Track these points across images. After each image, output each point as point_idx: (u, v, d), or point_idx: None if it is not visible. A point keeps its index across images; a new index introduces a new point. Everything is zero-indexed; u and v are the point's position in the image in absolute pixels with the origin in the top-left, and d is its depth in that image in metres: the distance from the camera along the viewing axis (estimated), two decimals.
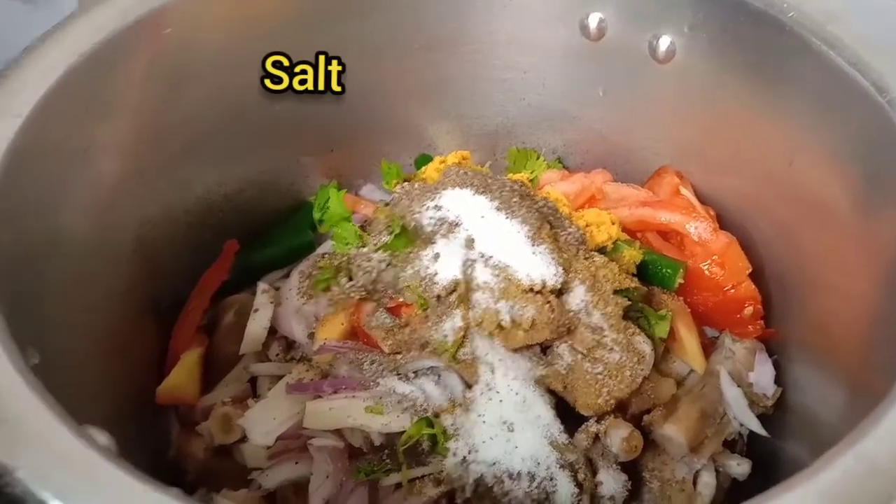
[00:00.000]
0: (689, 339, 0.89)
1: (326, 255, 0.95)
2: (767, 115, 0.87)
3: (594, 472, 0.79)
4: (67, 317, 0.77)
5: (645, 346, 0.83)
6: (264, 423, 0.83)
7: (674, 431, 0.81)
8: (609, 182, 1.04)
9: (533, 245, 0.82)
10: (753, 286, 0.93)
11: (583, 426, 0.81)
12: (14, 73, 0.74)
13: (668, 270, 0.93)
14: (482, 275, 0.81)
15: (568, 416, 0.81)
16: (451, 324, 0.81)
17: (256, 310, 0.94)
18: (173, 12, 0.85)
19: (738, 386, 0.87)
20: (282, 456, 0.83)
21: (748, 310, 0.92)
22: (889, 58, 0.75)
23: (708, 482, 0.83)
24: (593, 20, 0.97)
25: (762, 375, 0.88)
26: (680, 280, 0.93)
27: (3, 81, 0.74)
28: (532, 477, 0.76)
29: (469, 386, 0.80)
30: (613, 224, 0.93)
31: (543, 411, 0.79)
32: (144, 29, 0.83)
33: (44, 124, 0.74)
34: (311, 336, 0.90)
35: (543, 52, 1.03)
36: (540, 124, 1.11)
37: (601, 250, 0.91)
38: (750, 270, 0.93)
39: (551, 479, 0.76)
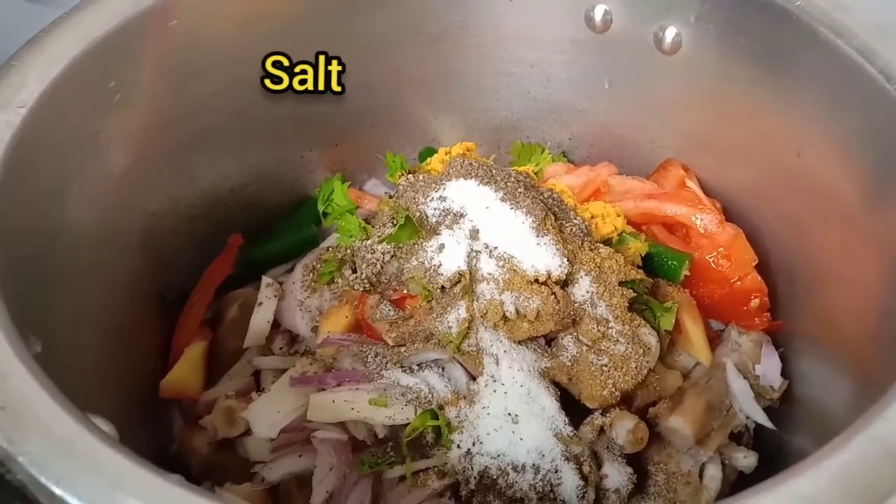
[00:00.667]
0: (694, 332, 0.88)
1: (330, 248, 0.95)
2: (775, 105, 0.87)
3: (599, 465, 0.79)
4: (71, 307, 0.77)
5: (650, 338, 0.83)
6: (268, 415, 0.82)
7: (679, 424, 0.80)
8: (614, 175, 1.03)
9: (538, 236, 0.81)
10: (760, 278, 0.92)
11: (588, 418, 0.80)
12: (19, 63, 0.74)
13: (674, 262, 0.92)
14: (487, 266, 0.81)
15: (573, 408, 0.80)
16: (456, 315, 0.80)
17: (260, 303, 0.93)
18: (180, 4, 0.85)
19: (745, 378, 0.86)
20: (285, 449, 0.83)
21: (754, 302, 0.91)
22: None
23: (714, 475, 0.82)
24: (599, 12, 0.97)
25: (768, 368, 0.87)
26: (686, 272, 0.92)
27: (7, 71, 0.74)
28: (537, 469, 0.75)
29: (473, 378, 0.80)
30: (619, 216, 0.93)
31: (548, 403, 0.79)
32: (150, 20, 0.83)
33: (49, 114, 0.74)
34: (315, 329, 0.90)
35: (549, 45, 1.03)
36: (545, 118, 1.11)
37: (606, 242, 0.91)
38: (756, 262, 0.92)
39: (556, 472, 0.76)
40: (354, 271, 0.88)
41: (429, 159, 1.00)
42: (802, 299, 0.89)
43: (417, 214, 0.84)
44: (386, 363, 0.82)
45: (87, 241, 0.81)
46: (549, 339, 0.83)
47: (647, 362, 0.82)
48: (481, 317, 0.80)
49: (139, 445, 0.81)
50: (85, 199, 0.80)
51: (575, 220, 0.88)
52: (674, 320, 0.86)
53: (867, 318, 0.75)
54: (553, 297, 0.79)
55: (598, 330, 0.81)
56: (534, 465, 0.75)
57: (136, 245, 0.90)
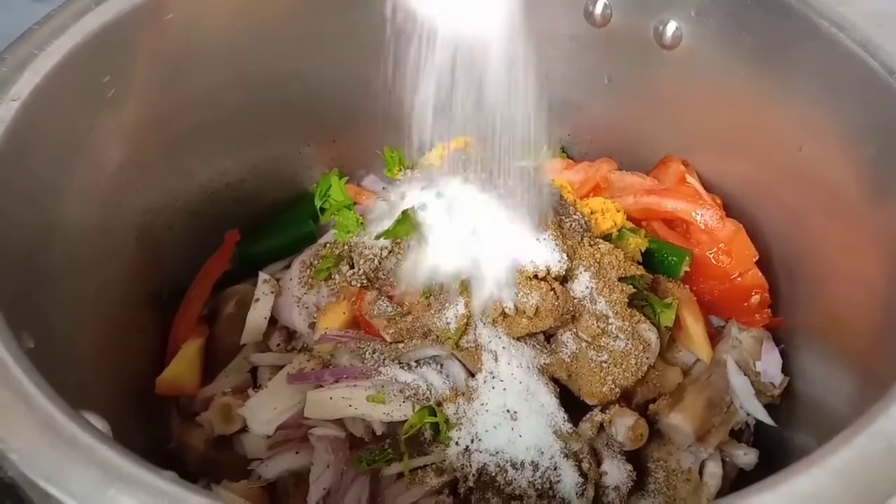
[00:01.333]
0: (695, 328, 0.88)
1: (328, 244, 0.94)
2: (776, 99, 0.86)
3: (599, 462, 0.78)
4: (66, 304, 0.77)
5: (650, 335, 0.82)
6: (265, 412, 0.82)
7: (680, 420, 0.80)
8: (614, 171, 1.02)
9: (537, 231, 0.81)
10: (760, 274, 0.92)
11: (587, 415, 0.80)
12: (13, 56, 0.74)
13: (674, 258, 0.92)
14: (486, 261, 0.80)
15: (572, 404, 0.80)
16: (454, 311, 0.80)
17: (257, 300, 0.93)
18: None
19: (745, 375, 0.86)
20: (282, 446, 0.82)
21: (755, 298, 0.91)
22: None
23: (714, 472, 0.82)
24: (598, 6, 0.96)
25: (769, 364, 0.87)
26: (686, 268, 0.92)
27: (0, 64, 0.73)
28: (536, 466, 0.75)
29: (472, 374, 0.79)
30: (618, 212, 0.92)
31: (547, 400, 0.78)
32: (145, 15, 0.82)
33: (42, 108, 0.73)
34: (312, 326, 0.89)
35: (548, 39, 1.02)
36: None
37: (606, 238, 0.90)
38: (757, 258, 0.92)
39: (555, 469, 0.75)
40: (352, 267, 0.88)
41: (427, 154, 0.99)
42: (803, 295, 0.89)
43: (414, 210, 0.84)
44: (384, 360, 0.82)
45: (81, 237, 0.80)
46: (549, 336, 0.83)
47: (647, 359, 0.81)
48: (480, 313, 0.80)
49: (136, 442, 0.81)
50: (79, 194, 0.80)
51: (574, 216, 0.87)
52: (674, 316, 0.85)
53: (869, 314, 0.75)
54: (552, 292, 0.79)
55: (598, 326, 0.80)
56: (533, 462, 0.75)
57: (132, 241, 0.90)
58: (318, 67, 0.99)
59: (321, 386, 0.81)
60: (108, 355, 0.83)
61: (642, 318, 0.83)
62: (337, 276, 0.88)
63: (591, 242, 0.85)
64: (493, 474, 0.74)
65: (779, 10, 0.81)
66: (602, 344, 0.80)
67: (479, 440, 0.75)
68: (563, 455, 0.76)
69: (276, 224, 1.05)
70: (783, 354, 0.89)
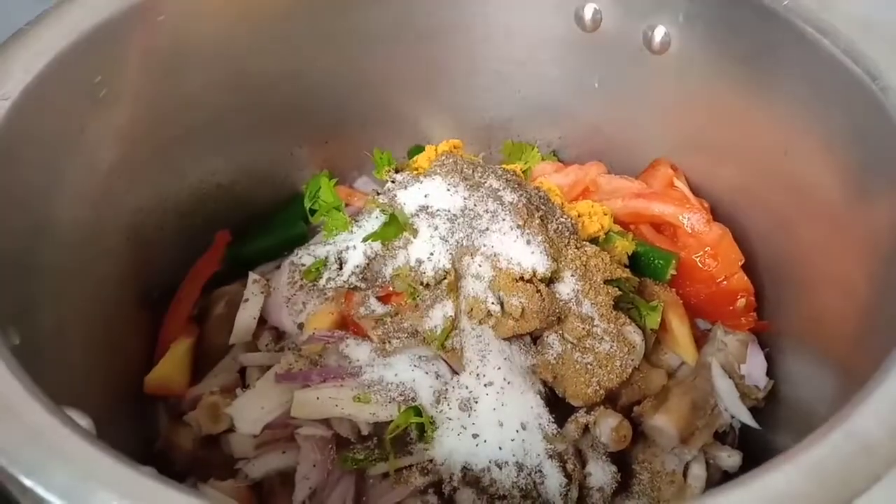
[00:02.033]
0: (680, 331, 0.88)
1: (317, 247, 0.94)
2: (762, 104, 0.87)
3: (583, 463, 0.79)
4: (56, 302, 0.77)
5: (635, 337, 0.83)
6: (252, 412, 0.82)
7: (664, 422, 0.80)
8: (603, 174, 1.03)
9: (524, 234, 0.81)
10: (746, 278, 0.92)
11: (572, 416, 0.80)
12: (4, 55, 0.74)
13: (661, 262, 0.92)
14: (472, 263, 0.81)
15: (557, 406, 0.80)
16: (441, 312, 0.81)
17: (246, 300, 0.93)
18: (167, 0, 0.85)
19: (730, 378, 0.86)
20: (269, 445, 0.83)
21: (741, 302, 0.91)
22: (882, 45, 0.74)
23: (698, 474, 0.82)
24: (588, 11, 0.97)
25: (754, 367, 0.87)
26: (672, 271, 0.92)
27: None
28: (520, 467, 0.75)
29: (458, 374, 0.80)
30: (606, 215, 0.93)
31: (533, 401, 0.78)
32: (137, 15, 0.83)
33: (33, 108, 0.74)
34: (301, 326, 0.89)
35: (539, 43, 1.03)
36: (535, 116, 1.10)
37: (593, 241, 0.91)
38: (743, 262, 0.93)
39: (540, 470, 0.75)
40: (341, 268, 0.88)
41: (416, 157, 1.00)
42: (788, 299, 0.89)
43: (403, 212, 0.84)
44: (371, 360, 0.82)
45: (72, 237, 0.81)
46: (535, 337, 0.83)
47: (632, 361, 0.82)
48: (466, 314, 0.80)
49: (124, 441, 0.82)
50: (70, 194, 0.80)
51: (561, 219, 0.88)
52: (659, 319, 0.86)
53: (851, 318, 0.75)
54: (538, 294, 0.79)
55: (583, 328, 0.81)
56: (517, 462, 0.75)
57: (123, 241, 0.90)
58: (310, 69, 1.00)
59: (308, 386, 0.82)
60: (96, 354, 0.84)
61: (627, 320, 0.83)
62: (325, 277, 0.89)
63: (578, 245, 0.85)
64: (478, 475, 0.75)
65: (765, 15, 0.82)
66: (587, 346, 0.80)
67: (464, 440, 0.76)
68: (547, 456, 0.76)
69: (267, 225, 1.05)
70: (768, 358, 0.89)
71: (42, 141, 0.76)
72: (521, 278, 0.80)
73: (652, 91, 0.99)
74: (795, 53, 0.80)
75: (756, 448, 0.86)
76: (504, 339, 0.80)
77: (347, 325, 0.87)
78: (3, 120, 0.71)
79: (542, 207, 0.87)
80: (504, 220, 0.82)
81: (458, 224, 0.83)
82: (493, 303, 0.79)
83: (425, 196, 0.85)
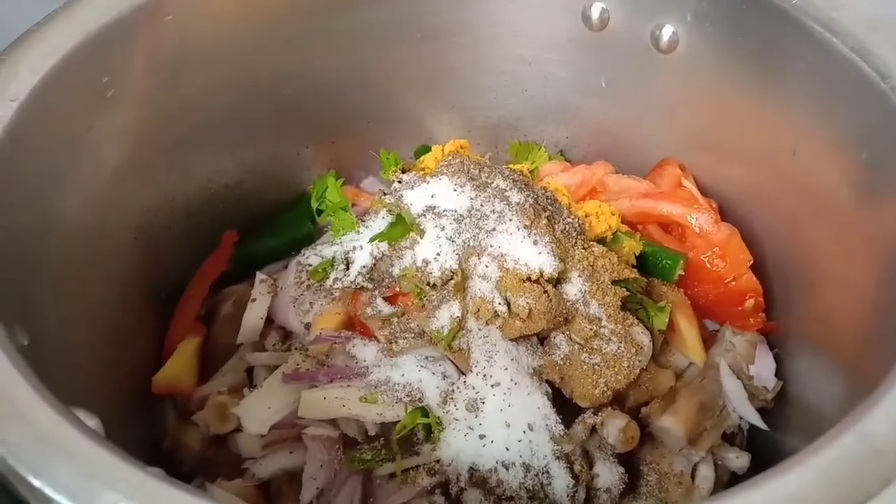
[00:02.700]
0: (688, 331, 0.88)
1: (324, 246, 0.94)
2: (771, 103, 0.86)
3: (591, 464, 0.79)
4: (64, 302, 0.77)
5: (643, 338, 0.82)
6: (259, 411, 0.82)
7: (672, 423, 0.80)
8: (610, 174, 1.03)
9: (530, 234, 0.81)
10: (755, 278, 0.92)
11: (580, 417, 0.80)
12: (12, 56, 0.74)
13: (668, 262, 0.92)
14: (479, 264, 0.81)
15: (565, 407, 0.80)
16: (448, 313, 0.80)
17: (254, 300, 0.93)
18: (174, 0, 0.85)
19: (738, 379, 0.86)
20: (276, 445, 0.83)
21: (749, 302, 0.91)
22: (892, 44, 0.74)
23: (706, 475, 0.82)
24: (596, 10, 0.97)
25: (763, 368, 0.87)
26: (680, 272, 0.92)
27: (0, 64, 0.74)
28: (527, 468, 0.75)
29: (464, 375, 0.79)
30: (613, 215, 0.93)
31: (540, 402, 0.78)
32: (144, 15, 0.83)
33: (41, 109, 0.74)
34: (308, 326, 0.89)
35: (546, 42, 1.03)
36: (543, 116, 1.10)
37: (600, 241, 0.90)
38: (751, 262, 0.92)
39: (547, 471, 0.75)
40: (348, 268, 0.88)
41: (423, 157, 1.00)
42: (797, 300, 0.89)
43: (409, 212, 0.84)
44: (378, 360, 0.82)
45: (79, 237, 0.81)
46: (542, 338, 0.83)
47: (640, 361, 0.81)
48: (473, 314, 0.80)
49: (132, 440, 0.82)
50: (78, 194, 0.80)
51: (568, 219, 0.87)
52: (667, 320, 0.86)
53: (860, 319, 0.75)
54: (545, 295, 0.79)
55: (591, 328, 0.80)
56: (524, 463, 0.75)
57: (131, 241, 0.90)
58: (316, 69, 1.00)
59: (315, 386, 0.82)
60: (104, 354, 0.84)
61: (635, 321, 0.83)
62: (332, 277, 0.89)
63: (585, 245, 0.85)
64: (485, 475, 0.75)
65: (774, 14, 0.82)
66: (595, 346, 0.80)
67: (471, 441, 0.76)
68: (554, 457, 0.76)
69: (274, 225, 1.06)
70: (777, 358, 0.89)
71: (50, 141, 0.76)
72: (528, 279, 0.80)
73: (660, 90, 0.98)
74: (804, 53, 0.80)
75: (765, 449, 0.86)
76: (511, 340, 0.80)
77: (354, 325, 0.87)
78: (11, 121, 0.71)
79: (549, 208, 0.87)
80: (511, 220, 0.82)
81: (465, 224, 0.83)
82: (500, 303, 0.79)
83: (432, 196, 0.85)
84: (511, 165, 1.00)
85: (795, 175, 0.85)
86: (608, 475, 0.78)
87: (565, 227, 0.86)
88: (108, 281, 0.86)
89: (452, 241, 0.82)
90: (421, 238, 0.83)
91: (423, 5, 1.00)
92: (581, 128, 1.09)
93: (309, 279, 0.91)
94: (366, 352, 0.83)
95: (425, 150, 1.04)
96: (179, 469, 0.87)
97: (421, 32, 1.02)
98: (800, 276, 0.88)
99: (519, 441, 0.76)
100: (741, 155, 0.94)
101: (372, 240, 0.85)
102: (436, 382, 0.80)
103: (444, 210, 0.84)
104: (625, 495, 0.79)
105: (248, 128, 0.99)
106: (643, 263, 0.92)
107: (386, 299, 0.86)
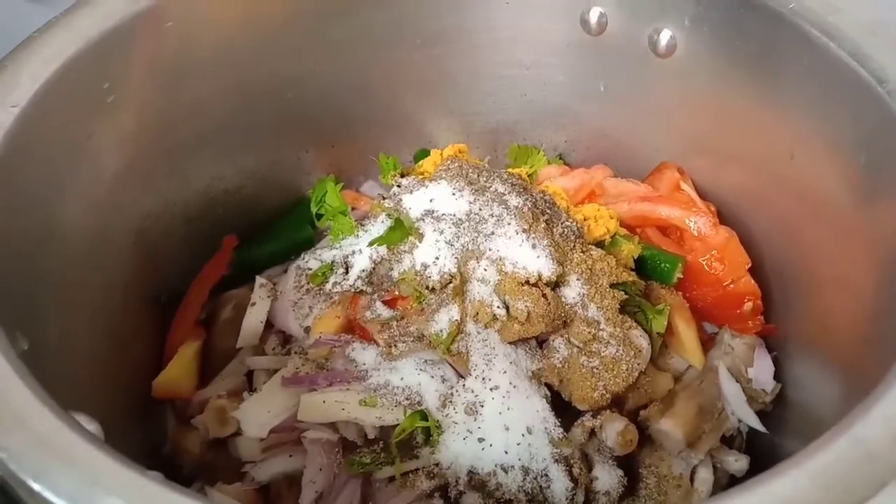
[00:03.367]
0: (687, 334, 0.88)
1: (323, 250, 0.95)
2: (768, 107, 0.86)
3: (590, 467, 0.79)
4: (63, 307, 0.77)
5: (642, 341, 0.83)
6: (258, 415, 0.82)
7: (670, 426, 0.80)
8: (609, 177, 1.03)
9: (529, 237, 0.81)
10: (753, 281, 0.92)
11: (578, 420, 0.80)
12: (13, 63, 0.75)
13: (667, 265, 0.92)
14: (477, 267, 0.81)
15: (563, 410, 0.80)
16: (447, 316, 0.81)
17: (254, 304, 0.94)
18: (175, 6, 0.85)
19: (737, 382, 0.86)
20: (276, 449, 0.83)
21: (748, 305, 0.91)
22: (890, 48, 0.74)
23: (705, 478, 0.82)
24: (594, 14, 0.97)
25: (761, 371, 0.87)
26: (679, 275, 0.92)
27: (1, 70, 0.74)
28: (526, 471, 0.75)
29: (463, 378, 0.80)
30: (611, 218, 0.93)
31: (539, 405, 0.78)
32: (145, 22, 0.83)
33: (42, 115, 0.74)
34: (308, 330, 0.90)
35: (544, 47, 1.03)
36: (541, 120, 1.11)
37: (599, 244, 0.90)
38: (749, 265, 0.92)
39: (546, 474, 0.75)
40: (347, 272, 0.88)
41: (421, 161, 1.00)
42: (796, 303, 0.89)
43: (408, 216, 0.85)
44: (377, 364, 0.82)
45: (80, 242, 0.81)
46: (541, 341, 0.83)
47: (639, 364, 0.82)
48: (472, 318, 0.80)
49: (132, 445, 0.82)
50: (78, 199, 0.80)
51: (567, 223, 0.88)
52: (666, 323, 0.86)
53: (859, 321, 0.75)
54: (544, 298, 0.79)
55: (589, 332, 0.80)
56: (523, 466, 0.75)
57: (131, 246, 0.90)
58: (316, 73, 1.00)
59: (315, 389, 0.82)
60: (105, 358, 0.84)
61: (634, 324, 0.83)
62: (332, 281, 0.89)
63: (584, 249, 0.85)
64: (484, 479, 0.75)
65: (771, 19, 0.82)
66: (593, 350, 0.80)
67: (470, 444, 0.76)
68: (553, 460, 0.76)
69: (274, 229, 1.06)
70: (776, 361, 0.89)
71: (50, 147, 0.76)
72: (527, 282, 0.80)
73: (658, 94, 0.99)
74: (801, 57, 0.80)
75: (764, 452, 0.86)
76: (510, 343, 0.80)
77: (353, 329, 0.87)
78: (11, 127, 0.71)
79: (548, 211, 0.87)
80: (509, 224, 0.82)
81: (464, 228, 0.83)
82: (498, 307, 0.80)
83: (430, 200, 0.85)
84: (510, 169, 1.00)
85: (793, 178, 0.85)
86: (607, 478, 0.78)
87: (564, 231, 0.86)
88: (108, 286, 0.86)
89: (451, 245, 0.82)
90: (420, 242, 0.83)
91: (422, 11, 1.01)
92: (580, 132, 1.10)
93: (308, 283, 0.91)
94: (365, 355, 0.83)
95: (425, 154, 1.05)
96: (179, 473, 0.87)
97: (420, 38, 1.02)
98: (798, 278, 0.88)
99: (518, 444, 0.76)
100: (739, 158, 0.94)
101: (371, 244, 0.85)
102: (435, 386, 0.80)
103: (443, 214, 0.84)
104: (624, 498, 0.79)
105: (248, 133, 1.00)
106: (641, 267, 0.93)
107: (385, 303, 0.86)
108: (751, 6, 0.84)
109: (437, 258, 0.82)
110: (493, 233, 0.82)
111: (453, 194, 0.85)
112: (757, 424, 0.85)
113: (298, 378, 0.84)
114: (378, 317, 0.85)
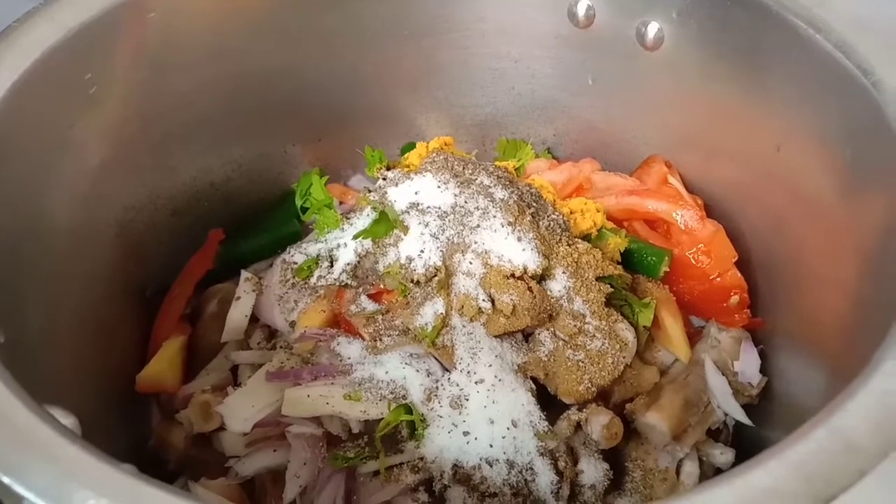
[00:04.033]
0: (673, 328, 0.88)
1: (309, 244, 0.94)
2: (755, 100, 0.86)
3: (575, 461, 0.78)
4: (45, 300, 0.77)
5: (627, 334, 0.82)
6: (242, 410, 0.82)
7: (656, 419, 0.80)
8: (597, 171, 1.03)
9: (514, 231, 0.81)
10: (739, 275, 0.92)
11: (564, 414, 0.80)
12: None
13: (653, 258, 0.92)
14: (463, 261, 0.80)
15: (549, 403, 0.80)
16: (432, 310, 0.80)
17: (238, 298, 0.93)
18: None
19: (724, 375, 0.86)
20: (260, 443, 0.83)
21: (734, 299, 0.91)
22: (874, 40, 0.74)
23: (691, 471, 0.82)
24: (581, 7, 0.97)
25: (748, 364, 0.87)
26: (665, 268, 0.92)
27: None
28: (511, 465, 0.75)
29: (449, 372, 0.79)
30: (598, 212, 0.92)
31: (524, 398, 0.78)
32: (127, 12, 0.82)
33: (22, 106, 0.73)
34: (293, 324, 0.89)
35: (532, 40, 1.03)
36: (530, 113, 1.10)
37: (585, 238, 0.90)
38: (736, 259, 0.92)
39: (531, 467, 0.75)
40: (332, 266, 0.88)
41: (407, 154, 0.99)
42: (782, 296, 0.89)
43: (393, 209, 0.84)
44: (362, 358, 0.82)
45: (62, 235, 0.81)
46: (527, 335, 0.83)
47: (624, 358, 0.81)
48: (457, 311, 0.80)
49: (116, 439, 0.82)
50: (60, 191, 0.80)
51: (553, 216, 0.87)
52: (652, 316, 0.85)
53: (844, 314, 0.75)
54: (529, 291, 0.79)
55: (575, 325, 0.80)
56: (508, 460, 0.75)
57: (114, 239, 0.90)
58: (303, 66, 1.00)
59: (299, 384, 0.82)
60: (87, 352, 0.84)
61: (619, 317, 0.83)
62: (317, 275, 0.88)
63: (570, 242, 0.85)
64: (469, 472, 0.74)
65: (758, 11, 0.82)
66: (579, 343, 0.80)
67: (455, 438, 0.75)
68: (538, 453, 0.76)
69: (260, 223, 1.05)
70: (762, 355, 0.89)
71: (31, 139, 0.75)
72: (513, 275, 0.79)
73: (646, 88, 0.98)
74: (788, 49, 0.80)
75: (750, 445, 0.86)
76: (495, 337, 0.80)
77: (339, 322, 0.86)
78: None
79: (534, 204, 0.87)
80: (495, 216, 0.82)
81: (449, 221, 0.82)
82: (484, 300, 0.79)
83: (416, 193, 0.85)
84: (497, 162, 0.99)
85: (780, 172, 0.85)
86: (593, 471, 0.78)
87: (550, 224, 0.86)
88: (90, 278, 0.86)
89: (436, 238, 0.82)
90: (405, 235, 0.83)
91: (410, 3, 1.00)
92: (568, 125, 1.09)
93: (294, 277, 0.91)
94: (350, 349, 0.83)
95: (412, 147, 1.04)
96: (165, 468, 0.87)
97: (408, 30, 1.02)
98: (785, 272, 0.88)
99: (503, 438, 0.75)
100: (727, 152, 0.94)
101: (356, 237, 0.85)
102: (420, 380, 0.80)
103: (428, 207, 0.83)
104: (609, 492, 0.79)
105: (234, 126, 0.99)
106: (628, 260, 0.92)
107: (370, 297, 0.85)
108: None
109: (422, 251, 0.81)
110: (478, 225, 0.82)
111: (438, 187, 0.84)
112: (743, 418, 0.85)
113: (283, 372, 0.83)
114: (363, 310, 0.84)
